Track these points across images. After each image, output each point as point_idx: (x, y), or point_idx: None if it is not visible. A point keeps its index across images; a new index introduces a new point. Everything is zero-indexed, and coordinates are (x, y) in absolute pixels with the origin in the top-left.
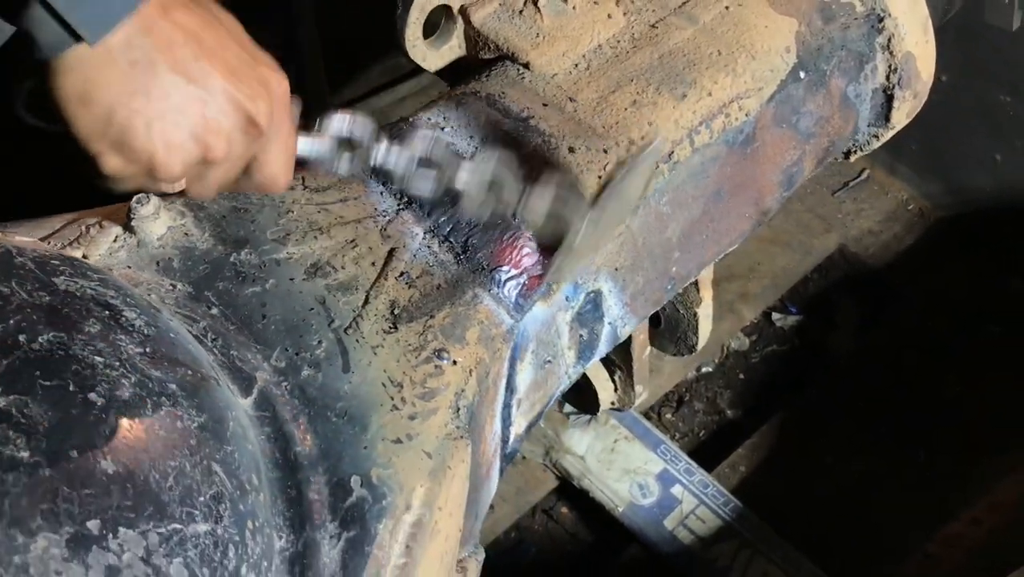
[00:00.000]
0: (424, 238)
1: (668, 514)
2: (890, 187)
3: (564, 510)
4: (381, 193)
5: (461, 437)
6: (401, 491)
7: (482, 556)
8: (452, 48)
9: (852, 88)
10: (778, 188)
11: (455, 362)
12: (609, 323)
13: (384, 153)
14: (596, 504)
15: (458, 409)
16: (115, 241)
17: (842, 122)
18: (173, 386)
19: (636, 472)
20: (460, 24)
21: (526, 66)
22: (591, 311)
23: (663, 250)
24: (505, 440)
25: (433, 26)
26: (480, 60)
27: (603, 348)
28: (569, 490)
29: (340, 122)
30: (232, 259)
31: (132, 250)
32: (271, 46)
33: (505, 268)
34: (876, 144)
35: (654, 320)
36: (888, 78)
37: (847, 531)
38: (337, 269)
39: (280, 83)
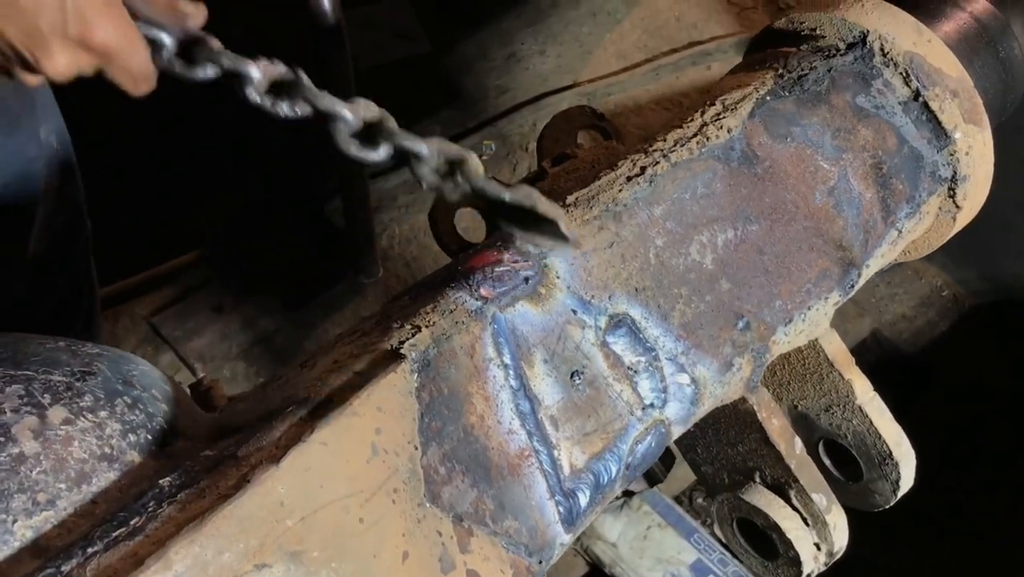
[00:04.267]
0: None
1: None
2: (924, 273)
3: None
4: None
5: (396, 360)
6: (314, 387)
7: (536, 568)
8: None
9: (864, 99)
10: (837, 214)
11: (403, 325)
12: (668, 359)
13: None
14: None
15: (399, 347)
16: None
17: (873, 133)
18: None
19: (669, 561)
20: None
21: None
22: (627, 337)
23: (700, 276)
24: (555, 463)
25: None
26: None
27: (678, 394)
28: None
29: None
30: None
31: None
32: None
33: (471, 268)
34: (968, 167)
35: (854, 474)
36: (907, 83)
37: None
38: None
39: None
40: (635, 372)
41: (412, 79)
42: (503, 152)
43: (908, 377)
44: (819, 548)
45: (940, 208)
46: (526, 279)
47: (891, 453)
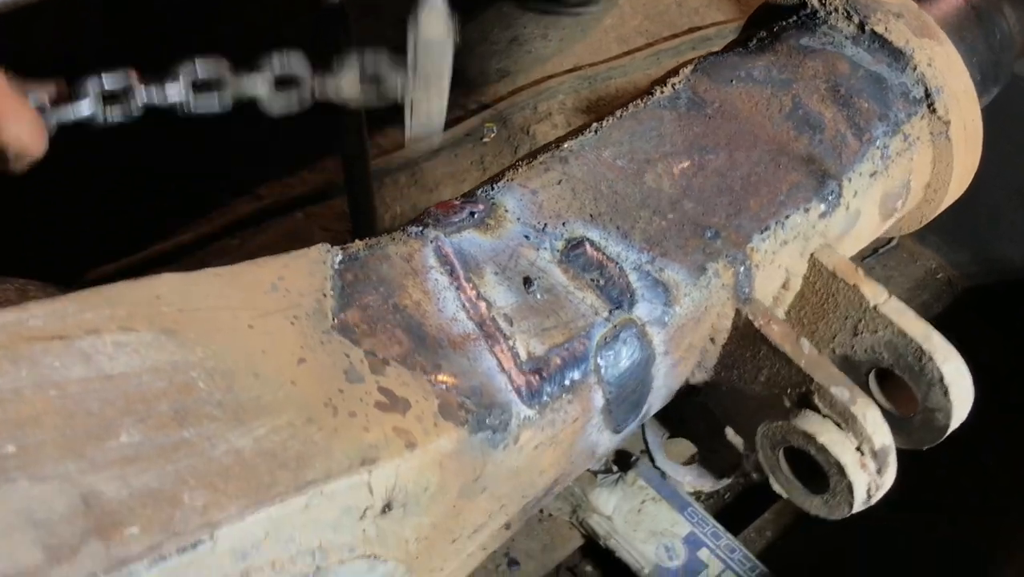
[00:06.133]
0: None
1: None
2: (919, 255)
3: (589, 569)
4: None
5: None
6: None
7: (473, 408)
8: None
9: (808, 40)
10: (799, 135)
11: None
12: (633, 268)
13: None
14: (622, 565)
15: (328, 246)
16: None
17: (821, 64)
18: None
19: (663, 534)
20: None
21: None
22: (583, 256)
23: (659, 200)
24: (511, 348)
25: None
26: None
27: (647, 295)
28: (595, 549)
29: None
30: None
31: None
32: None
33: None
34: (937, 78)
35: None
36: (850, 19)
37: None
38: None
39: None
40: (599, 282)
41: None
42: (504, 135)
43: None
44: (862, 452)
45: (932, 133)
46: (472, 213)
47: (922, 348)
